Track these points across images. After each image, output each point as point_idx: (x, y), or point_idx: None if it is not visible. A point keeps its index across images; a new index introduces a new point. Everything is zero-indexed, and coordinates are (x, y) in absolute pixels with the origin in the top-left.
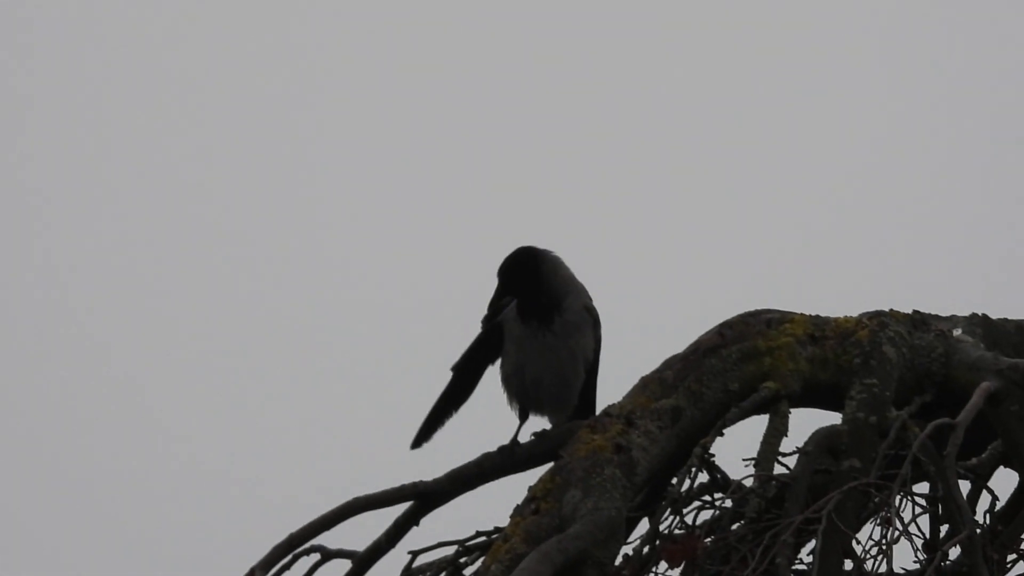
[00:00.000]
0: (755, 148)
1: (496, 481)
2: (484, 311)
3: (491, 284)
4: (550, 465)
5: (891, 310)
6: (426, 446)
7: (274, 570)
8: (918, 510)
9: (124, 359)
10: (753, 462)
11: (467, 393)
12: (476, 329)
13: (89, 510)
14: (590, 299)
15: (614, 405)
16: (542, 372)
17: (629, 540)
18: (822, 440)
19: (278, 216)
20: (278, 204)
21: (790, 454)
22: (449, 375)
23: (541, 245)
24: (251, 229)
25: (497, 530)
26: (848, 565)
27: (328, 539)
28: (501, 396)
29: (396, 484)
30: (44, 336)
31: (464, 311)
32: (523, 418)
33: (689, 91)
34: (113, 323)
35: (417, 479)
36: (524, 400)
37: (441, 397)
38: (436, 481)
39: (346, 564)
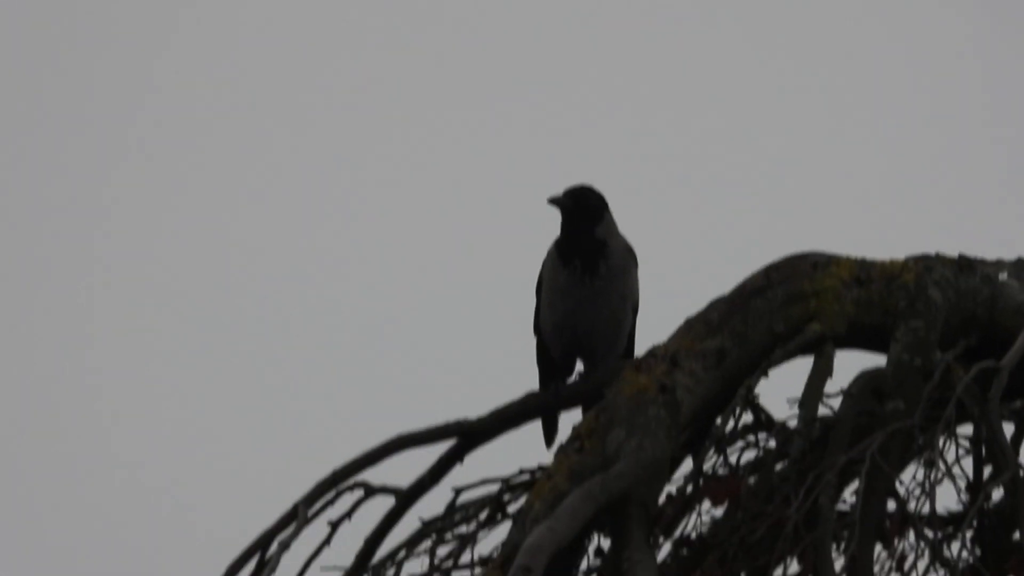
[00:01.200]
0: (805, 88)
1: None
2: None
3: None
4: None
5: (937, 253)
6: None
7: (318, 506)
8: (962, 452)
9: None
10: (797, 403)
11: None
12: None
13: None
14: (627, 240)
15: (659, 345)
16: (594, 321)
17: (672, 479)
18: (867, 382)
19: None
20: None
21: (834, 395)
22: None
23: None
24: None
25: (541, 468)
26: (891, 506)
27: (372, 475)
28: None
29: (440, 421)
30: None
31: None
32: (568, 359)
33: (734, 27)
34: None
35: (461, 417)
36: (574, 347)
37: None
38: (480, 419)
39: (389, 500)
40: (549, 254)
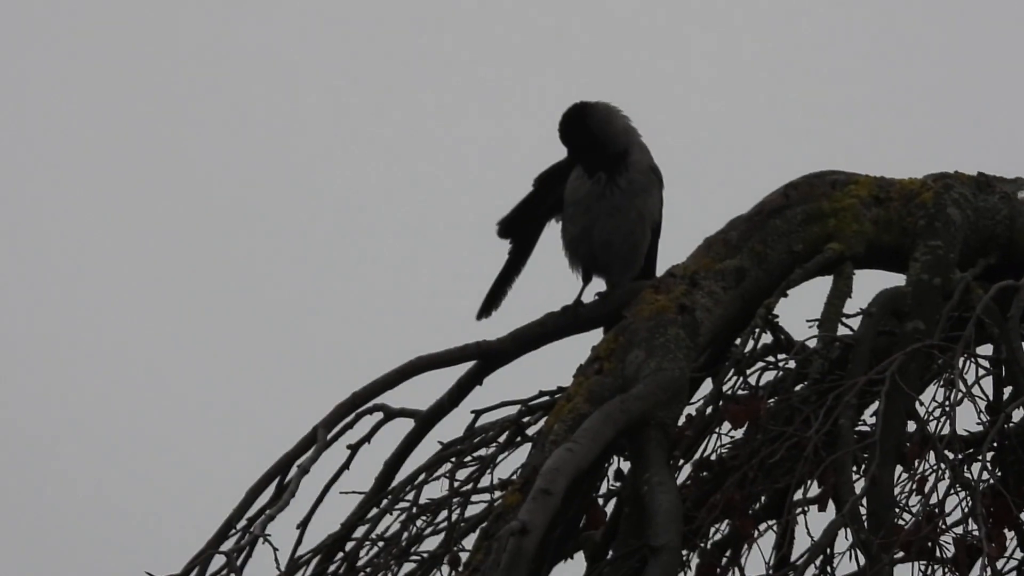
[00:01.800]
0: (822, 9)
1: (559, 341)
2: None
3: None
4: (614, 325)
5: (956, 172)
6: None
7: (337, 428)
8: (981, 372)
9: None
10: (817, 323)
11: (526, 254)
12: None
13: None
14: (651, 157)
15: (678, 266)
16: (611, 234)
17: (692, 400)
18: (886, 302)
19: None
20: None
21: (854, 315)
22: (507, 243)
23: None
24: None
25: (560, 390)
26: (911, 426)
27: (391, 398)
28: (563, 258)
29: (459, 344)
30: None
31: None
32: (586, 279)
33: None
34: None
35: (480, 339)
36: (590, 263)
37: (504, 266)
38: (499, 341)
39: (409, 423)
40: (575, 169)
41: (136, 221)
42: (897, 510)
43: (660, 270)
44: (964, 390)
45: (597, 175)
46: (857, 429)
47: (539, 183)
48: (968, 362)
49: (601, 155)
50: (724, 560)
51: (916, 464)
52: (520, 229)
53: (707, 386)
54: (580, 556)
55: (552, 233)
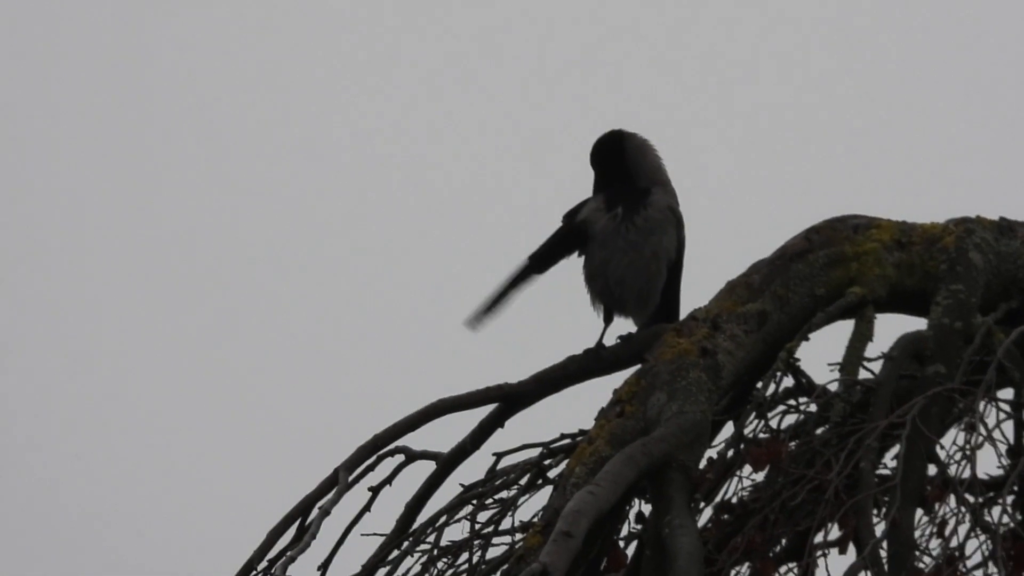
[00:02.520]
0: (846, 48)
1: (581, 384)
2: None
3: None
4: (636, 368)
5: (978, 216)
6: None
7: (359, 471)
8: (1002, 416)
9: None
10: (838, 367)
11: (531, 279)
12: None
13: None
14: (676, 200)
15: (700, 309)
16: (625, 270)
17: (714, 443)
18: (907, 345)
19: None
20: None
21: (875, 359)
22: (523, 262)
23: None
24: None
25: (582, 432)
26: (932, 470)
27: (412, 440)
28: (585, 298)
29: (481, 386)
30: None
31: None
32: (607, 320)
33: None
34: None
35: (502, 381)
36: (607, 299)
37: (509, 282)
38: (521, 383)
39: (430, 465)
40: (595, 198)
41: (156, 242)
42: (917, 553)
43: (683, 312)
44: (985, 434)
45: (615, 210)
46: (878, 472)
47: (568, 219)
48: (989, 406)
49: (624, 188)
50: None
51: (936, 507)
52: (545, 260)
53: (728, 429)
54: None
55: (576, 272)
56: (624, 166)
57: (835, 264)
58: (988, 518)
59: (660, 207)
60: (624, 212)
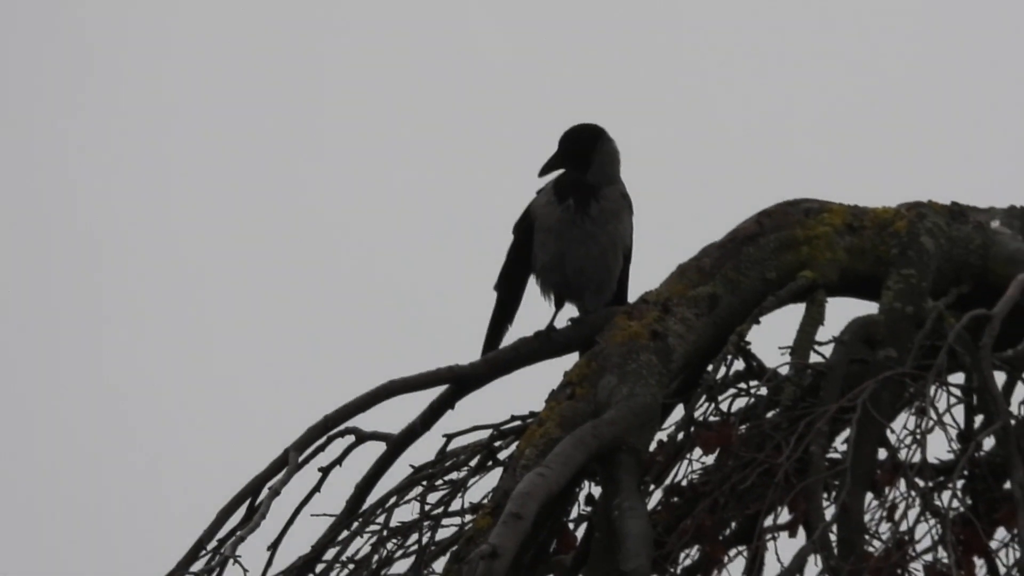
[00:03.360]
0: (797, 34)
1: (532, 366)
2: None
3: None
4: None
5: (929, 201)
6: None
7: (309, 451)
8: (953, 400)
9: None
10: (789, 350)
11: (518, 300)
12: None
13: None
14: (623, 186)
15: (651, 292)
16: (583, 261)
17: (664, 426)
18: (858, 329)
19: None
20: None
21: (826, 343)
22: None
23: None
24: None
25: (532, 414)
26: (882, 454)
27: (363, 421)
28: (534, 285)
29: (432, 367)
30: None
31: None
32: (559, 305)
33: None
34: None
35: (453, 363)
36: (562, 289)
37: (493, 317)
38: (472, 365)
39: (380, 446)
40: (545, 191)
41: (128, 222)
42: (867, 537)
43: (632, 296)
44: (935, 418)
45: (567, 202)
46: (828, 456)
47: (517, 230)
48: (940, 390)
49: (576, 181)
50: None
51: (887, 491)
52: (513, 281)
53: (679, 412)
54: None
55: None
56: (587, 161)
57: (786, 248)
58: (938, 502)
59: (613, 196)
60: (576, 204)
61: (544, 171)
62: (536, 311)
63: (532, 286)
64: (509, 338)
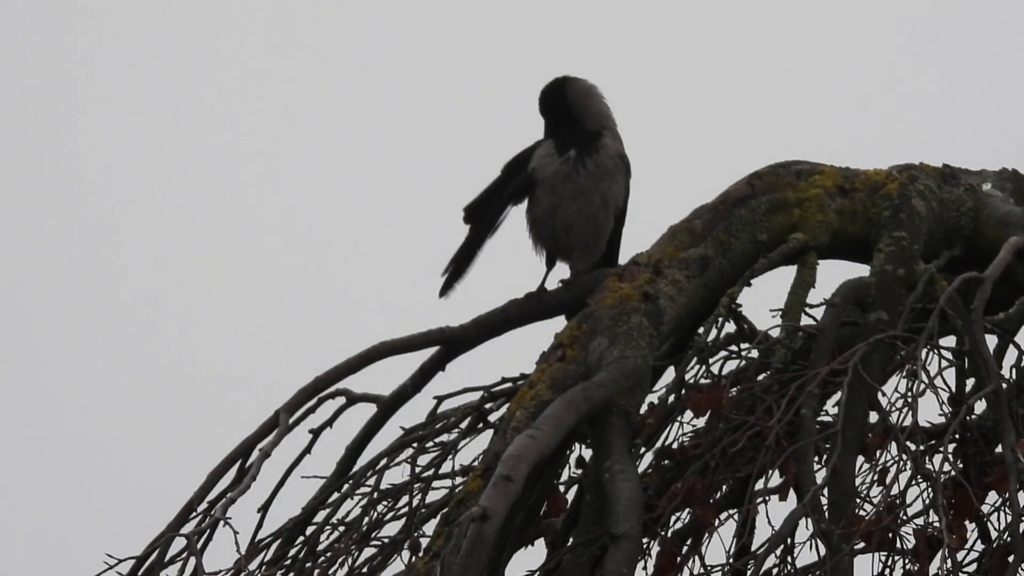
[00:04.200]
0: (790, 2)
1: (522, 328)
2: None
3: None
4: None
5: (921, 163)
6: (452, 293)
7: (299, 413)
8: (944, 364)
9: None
10: (780, 313)
11: (486, 234)
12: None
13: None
14: (623, 146)
15: (642, 254)
16: (573, 217)
17: (655, 389)
18: (850, 292)
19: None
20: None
21: (817, 305)
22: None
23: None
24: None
25: (523, 376)
26: (873, 417)
27: (353, 383)
28: (527, 242)
29: (422, 329)
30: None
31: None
32: (550, 265)
33: None
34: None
35: (443, 324)
36: (552, 245)
37: (465, 243)
38: (462, 327)
39: (371, 408)
40: (544, 144)
41: (106, 211)
42: (858, 500)
43: (624, 258)
44: (926, 381)
45: (567, 154)
46: (819, 419)
47: (508, 169)
48: (931, 353)
49: (575, 132)
50: (685, 549)
51: (878, 455)
52: (485, 214)
53: (670, 374)
54: (541, 543)
55: (518, 219)
56: (570, 112)
57: (777, 210)
58: (929, 466)
59: (611, 153)
60: (576, 155)
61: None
62: (527, 273)
63: (514, 236)
64: (499, 299)
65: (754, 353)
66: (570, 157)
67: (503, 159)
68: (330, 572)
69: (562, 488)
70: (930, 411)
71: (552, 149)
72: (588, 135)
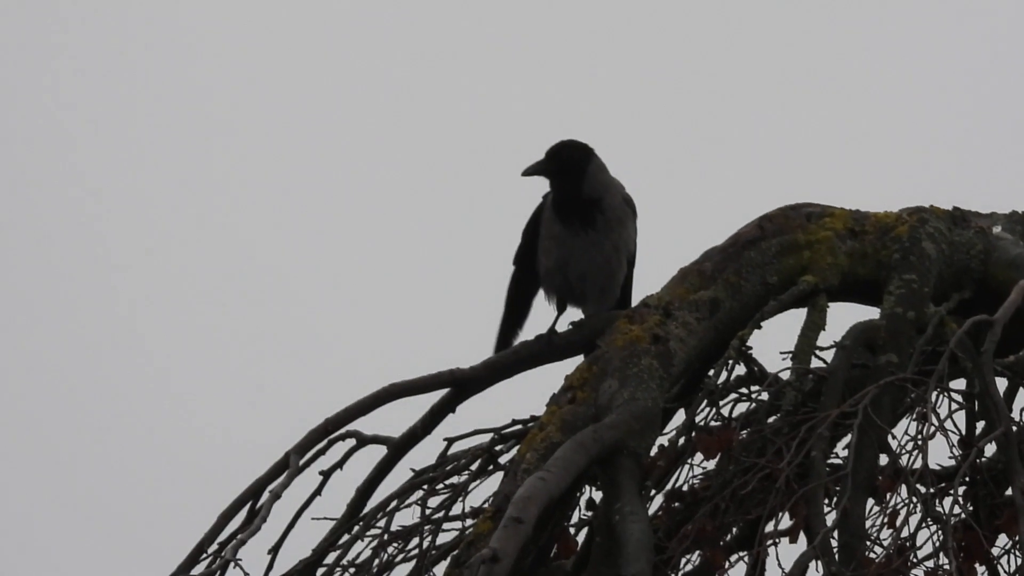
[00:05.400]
0: (799, 42)
1: (533, 370)
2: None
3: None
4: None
5: (931, 206)
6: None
7: (309, 454)
8: (954, 406)
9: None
10: (790, 355)
11: (533, 287)
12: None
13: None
14: (624, 189)
15: (652, 296)
16: (587, 267)
17: (665, 431)
18: (860, 334)
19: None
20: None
21: (827, 348)
22: (510, 270)
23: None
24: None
25: (533, 418)
26: (883, 459)
27: (364, 425)
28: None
29: (433, 371)
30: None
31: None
32: (560, 308)
33: None
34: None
35: (454, 366)
36: (566, 293)
37: (510, 295)
38: (473, 368)
39: (381, 450)
40: (545, 205)
41: (124, 220)
42: (868, 543)
43: (635, 300)
44: (937, 424)
45: (570, 221)
46: (829, 461)
47: (518, 263)
48: (941, 396)
49: (575, 198)
50: None
51: (888, 497)
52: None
53: (680, 416)
54: None
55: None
56: (580, 177)
57: (788, 252)
58: (939, 508)
59: (615, 205)
60: (580, 223)
61: (528, 172)
62: (538, 315)
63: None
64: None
65: (764, 395)
66: (573, 224)
67: (518, 200)
68: None
69: (572, 530)
70: (940, 454)
71: (552, 214)
72: (589, 201)
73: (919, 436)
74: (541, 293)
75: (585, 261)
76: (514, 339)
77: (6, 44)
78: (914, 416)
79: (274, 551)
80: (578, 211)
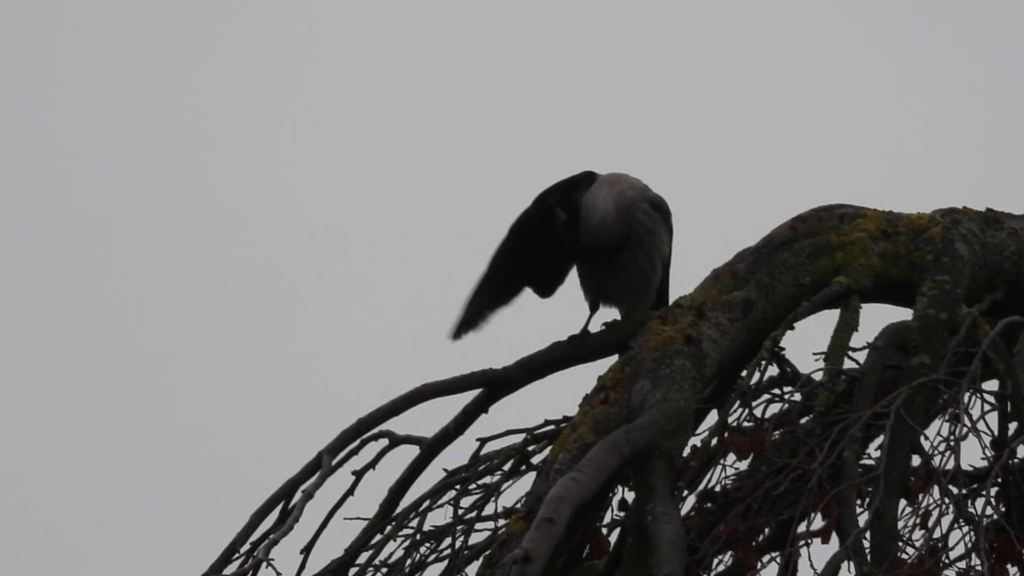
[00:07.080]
0: (836, 44)
1: (565, 370)
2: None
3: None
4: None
5: (964, 207)
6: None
7: (342, 454)
8: (987, 407)
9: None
10: (823, 356)
11: (514, 283)
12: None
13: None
14: (650, 190)
15: (685, 297)
16: (620, 275)
17: (697, 432)
18: (892, 336)
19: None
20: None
21: (860, 349)
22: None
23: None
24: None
25: (566, 419)
26: (916, 460)
27: (396, 425)
28: (571, 286)
29: (466, 371)
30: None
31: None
32: (594, 308)
33: None
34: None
35: (487, 367)
36: (600, 295)
37: (481, 285)
38: (506, 369)
39: (414, 450)
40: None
41: (133, 221)
42: (900, 544)
43: (672, 299)
44: (969, 425)
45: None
46: (861, 462)
47: (539, 204)
48: (973, 397)
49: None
50: None
51: (920, 498)
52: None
53: (712, 417)
54: None
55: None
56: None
57: (821, 253)
58: (971, 509)
59: (639, 219)
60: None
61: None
62: (570, 314)
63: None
64: (542, 341)
65: (797, 396)
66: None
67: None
68: None
69: (604, 530)
70: (973, 455)
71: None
72: (611, 248)
73: (951, 437)
74: (535, 281)
75: (620, 269)
76: (488, 317)
77: (6, 44)
78: (946, 417)
79: (306, 551)
80: (595, 255)
